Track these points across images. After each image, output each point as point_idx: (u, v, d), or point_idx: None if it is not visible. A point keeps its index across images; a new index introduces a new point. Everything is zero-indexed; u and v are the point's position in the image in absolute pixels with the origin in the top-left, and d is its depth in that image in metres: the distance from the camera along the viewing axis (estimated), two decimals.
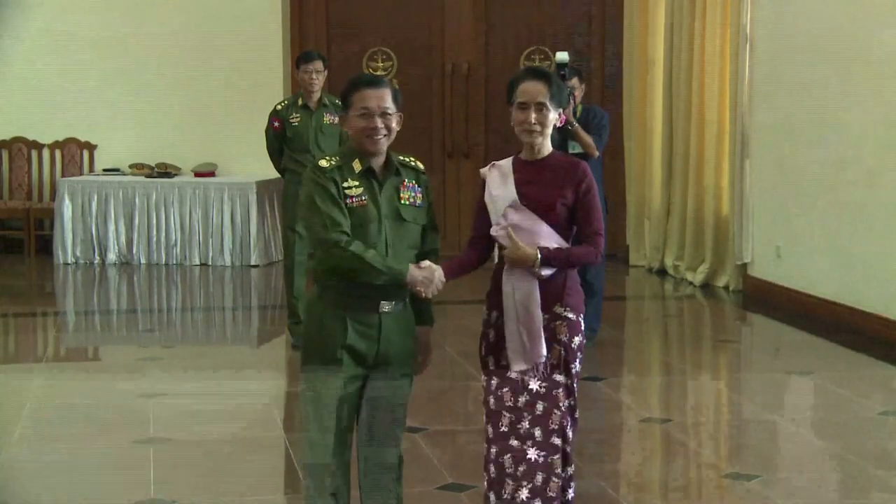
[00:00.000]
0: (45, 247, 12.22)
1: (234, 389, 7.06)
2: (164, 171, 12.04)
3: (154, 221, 11.73)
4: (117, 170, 12.34)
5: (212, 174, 12.06)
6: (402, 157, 4.03)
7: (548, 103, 3.96)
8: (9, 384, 7.19)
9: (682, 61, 10.92)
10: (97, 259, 11.73)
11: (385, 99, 3.90)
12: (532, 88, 3.98)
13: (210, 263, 11.67)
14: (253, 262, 11.58)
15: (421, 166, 4.05)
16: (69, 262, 11.71)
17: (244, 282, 10.96)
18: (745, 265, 10.18)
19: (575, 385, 4.01)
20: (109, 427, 6.14)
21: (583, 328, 4.04)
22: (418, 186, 3.99)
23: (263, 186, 11.77)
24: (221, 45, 12.32)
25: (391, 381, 4.00)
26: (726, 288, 10.35)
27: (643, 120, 11.84)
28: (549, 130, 4.02)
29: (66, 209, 11.73)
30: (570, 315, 3.99)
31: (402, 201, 3.94)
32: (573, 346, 3.98)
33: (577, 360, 4.01)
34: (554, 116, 4.00)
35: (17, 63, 12.28)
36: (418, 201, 3.97)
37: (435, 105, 12.58)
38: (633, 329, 9.45)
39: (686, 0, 10.82)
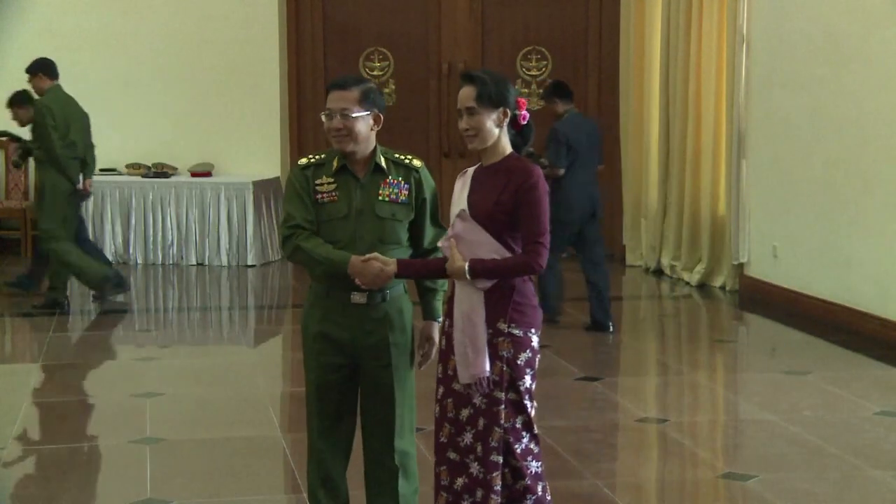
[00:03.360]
0: None
1: (230, 389, 7.06)
2: (161, 171, 12.03)
3: (150, 221, 11.73)
4: (114, 170, 12.32)
5: (208, 174, 12.05)
6: (397, 155, 4.08)
7: (476, 106, 3.82)
8: (6, 384, 7.19)
9: (678, 61, 10.93)
10: None
11: (346, 100, 3.97)
12: (462, 94, 3.87)
13: (206, 263, 11.67)
14: (249, 262, 11.57)
15: (416, 164, 4.08)
16: None
17: (241, 282, 10.96)
18: (741, 265, 10.19)
19: (526, 402, 3.86)
20: (106, 427, 6.14)
21: (533, 343, 3.87)
22: (405, 183, 4.03)
23: (260, 186, 11.77)
24: (218, 46, 12.31)
25: (374, 372, 4.05)
26: (723, 288, 10.35)
27: (640, 120, 11.84)
28: (490, 132, 3.84)
29: None
30: (515, 331, 3.83)
31: (381, 198, 4.01)
32: (518, 362, 3.83)
33: (527, 376, 3.86)
34: (493, 117, 3.83)
35: (14, 63, 12.25)
36: (401, 198, 4.02)
37: (431, 105, 12.58)
38: (630, 329, 9.45)
39: (682, 0, 10.83)
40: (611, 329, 8.51)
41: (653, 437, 6.06)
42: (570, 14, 12.58)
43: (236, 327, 9.18)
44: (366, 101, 4.00)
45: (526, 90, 12.54)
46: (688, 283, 10.70)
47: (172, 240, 11.69)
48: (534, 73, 12.60)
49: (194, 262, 11.63)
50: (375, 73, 12.59)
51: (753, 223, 9.99)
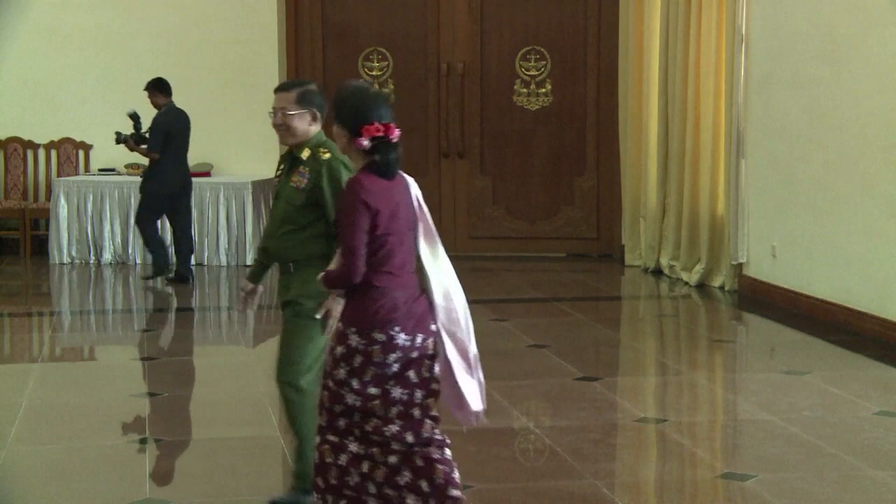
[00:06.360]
0: (41, 247, 12.23)
1: (230, 389, 7.06)
2: None
3: None
4: (113, 170, 12.33)
5: (207, 174, 12.06)
6: (320, 150, 4.61)
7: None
8: (4, 384, 7.19)
9: (677, 60, 10.93)
10: (93, 259, 11.74)
11: (285, 100, 4.62)
12: None
13: (205, 263, 11.68)
14: (248, 262, 11.57)
15: (325, 157, 4.58)
16: (65, 261, 11.72)
17: (240, 282, 10.94)
18: (740, 265, 10.19)
19: (343, 392, 4.08)
20: (105, 427, 6.14)
21: (350, 341, 4.07)
22: (308, 173, 4.60)
23: (259, 186, 11.77)
24: (217, 46, 12.32)
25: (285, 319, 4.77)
26: (722, 288, 10.36)
27: (638, 119, 11.85)
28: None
29: (62, 209, 11.73)
30: (340, 324, 4.16)
31: (291, 184, 4.67)
32: (335, 353, 4.12)
33: (341, 370, 4.08)
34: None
35: (13, 63, 12.27)
36: (302, 185, 4.62)
37: (430, 105, 12.58)
38: (629, 329, 9.46)
39: (682, 0, 10.82)
40: (190, 281, 10.63)
41: (652, 437, 6.06)
42: (570, 14, 12.58)
43: (236, 327, 9.18)
44: (303, 101, 4.62)
45: (525, 90, 12.55)
46: (687, 283, 10.70)
47: (171, 240, 11.67)
48: (533, 73, 12.60)
49: (193, 262, 11.62)
50: (375, 73, 12.59)
51: (752, 223, 10.00)
